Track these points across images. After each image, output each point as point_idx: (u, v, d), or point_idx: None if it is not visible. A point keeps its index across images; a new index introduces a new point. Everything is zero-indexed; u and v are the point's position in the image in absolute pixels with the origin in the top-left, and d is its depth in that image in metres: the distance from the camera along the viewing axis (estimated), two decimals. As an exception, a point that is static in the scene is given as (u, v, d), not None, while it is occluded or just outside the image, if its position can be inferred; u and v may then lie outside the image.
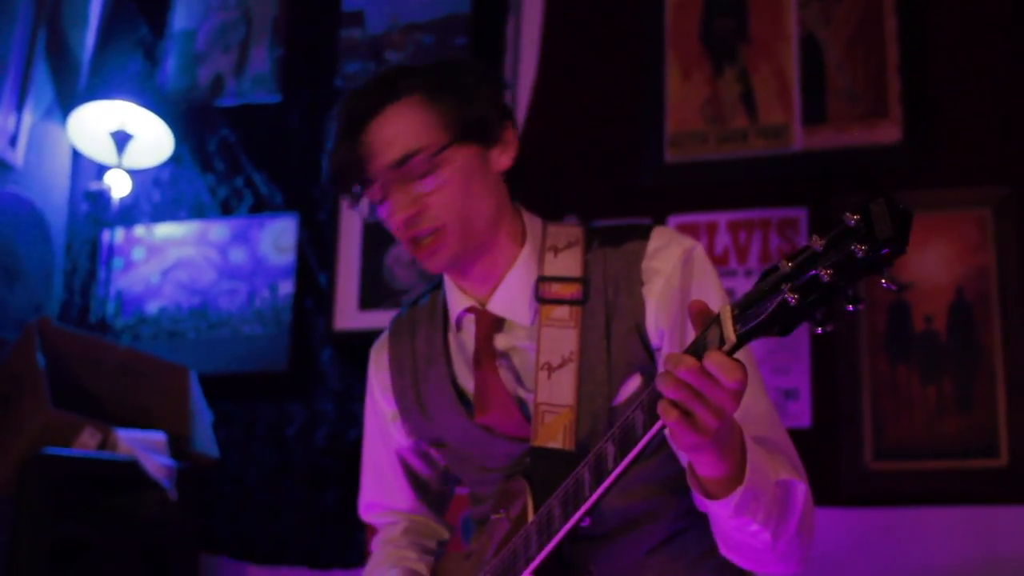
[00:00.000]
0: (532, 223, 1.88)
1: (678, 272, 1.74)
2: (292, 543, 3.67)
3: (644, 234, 1.80)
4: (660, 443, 1.72)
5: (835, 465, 3.21)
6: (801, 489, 1.57)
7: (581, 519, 1.54)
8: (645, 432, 1.40)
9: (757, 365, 1.76)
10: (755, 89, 3.56)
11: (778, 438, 1.68)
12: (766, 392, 1.74)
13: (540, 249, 1.84)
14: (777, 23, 3.58)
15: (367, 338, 2.11)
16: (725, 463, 1.43)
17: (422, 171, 1.73)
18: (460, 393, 1.86)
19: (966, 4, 3.45)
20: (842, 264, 1.13)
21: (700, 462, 1.45)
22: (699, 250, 1.79)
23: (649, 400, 1.39)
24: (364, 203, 1.81)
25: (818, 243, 1.15)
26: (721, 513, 1.50)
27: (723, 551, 1.64)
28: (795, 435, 1.75)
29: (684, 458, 1.54)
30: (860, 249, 1.11)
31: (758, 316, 1.22)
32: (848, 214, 1.12)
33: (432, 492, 2.08)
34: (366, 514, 2.12)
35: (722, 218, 3.45)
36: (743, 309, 1.25)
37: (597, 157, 3.64)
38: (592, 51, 3.76)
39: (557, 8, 3.80)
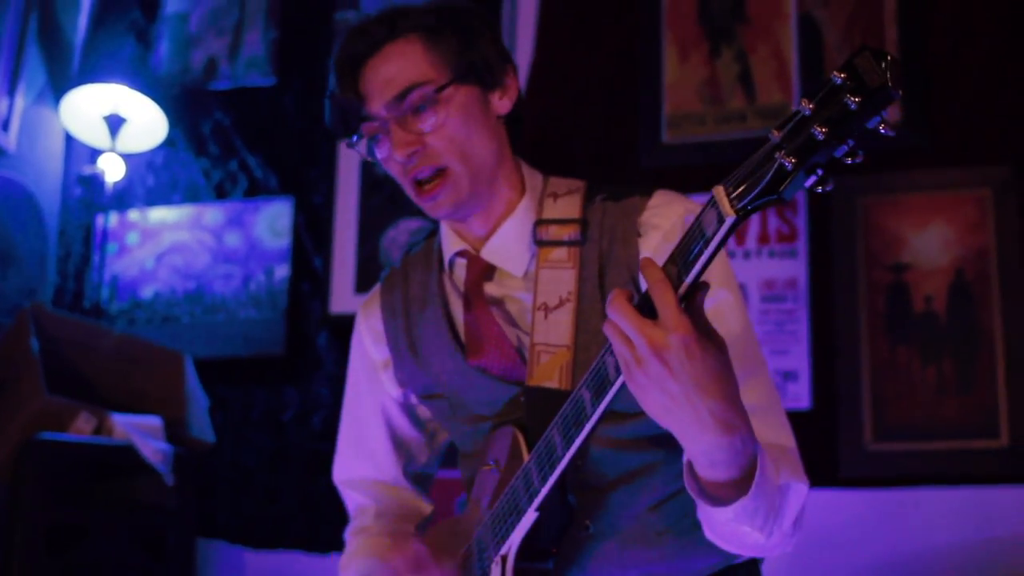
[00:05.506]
0: (531, 174, 1.85)
1: (677, 229, 1.67)
2: (289, 527, 3.66)
3: (646, 191, 1.77)
4: None
5: (835, 446, 3.20)
6: (801, 491, 1.51)
7: (584, 443, 1.47)
8: None
9: (756, 338, 1.69)
10: (753, 70, 3.53)
11: (779, 422, 1.62)
12: (766, 367, 1.67)
13: (540, 196, 1.81)
14: (775, 3, 3.55)
15: (363, 322, 2.08)
16: (730, 457, 1.36)
17: (422, 107, 1.70)
18: (455, 334, 1.81)
19: (965, -17, 3.43)
20: (836, 119, 1.12)
21: (701, 454, 1.37)
22: None
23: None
24: (363, 144, 1.77)
25: (807, 106, 1.14)
26: (717, 518, 1.45)
27: (708, 535, 1.56)
28: (795, 417, 1.73)
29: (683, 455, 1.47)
30: (854, 101, 1.11)
31: (755, 187, 1.19)
32: (834, 72, 1.12)
33: (414, 461, 1.99)
34: (340, 476, 2.05)
35: (720, 199, 3.42)
36: (736, 185, 1.21)
37: (595, 139, 3.62)
38: (589, 33, 3.73)
39: (553, -11, 3.78)
